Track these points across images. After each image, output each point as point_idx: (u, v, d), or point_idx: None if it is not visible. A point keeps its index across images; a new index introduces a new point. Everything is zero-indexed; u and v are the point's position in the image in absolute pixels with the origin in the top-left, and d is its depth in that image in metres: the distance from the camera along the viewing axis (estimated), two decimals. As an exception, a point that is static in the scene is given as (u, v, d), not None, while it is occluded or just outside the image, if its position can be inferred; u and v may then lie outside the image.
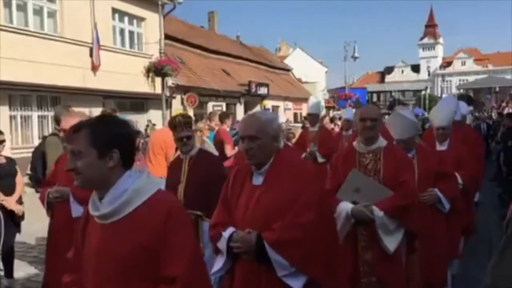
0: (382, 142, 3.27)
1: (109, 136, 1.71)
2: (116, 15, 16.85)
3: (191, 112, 17.65)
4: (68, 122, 5.39)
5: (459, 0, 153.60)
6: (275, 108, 26.55)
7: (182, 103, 18.84)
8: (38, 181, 5.44)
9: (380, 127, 3.37)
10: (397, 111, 4.09)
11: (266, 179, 2.34)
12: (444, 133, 4.55)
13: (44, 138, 5.68)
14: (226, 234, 2.33)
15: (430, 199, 3.74)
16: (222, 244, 2.36)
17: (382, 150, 3.22)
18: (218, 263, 2.42)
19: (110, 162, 1.70)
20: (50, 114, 14.06)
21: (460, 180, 4.19)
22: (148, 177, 1.77)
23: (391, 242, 3.02)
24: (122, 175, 1.72)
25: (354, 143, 3.38)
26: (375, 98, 66.40)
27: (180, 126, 3.79)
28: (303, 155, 6.73)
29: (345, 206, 3.10)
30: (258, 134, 2.32)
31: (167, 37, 18.82)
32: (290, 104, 30.99)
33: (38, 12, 13.80)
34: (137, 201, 1.67)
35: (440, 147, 4.56)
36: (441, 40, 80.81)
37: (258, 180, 2.37)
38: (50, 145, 5.17)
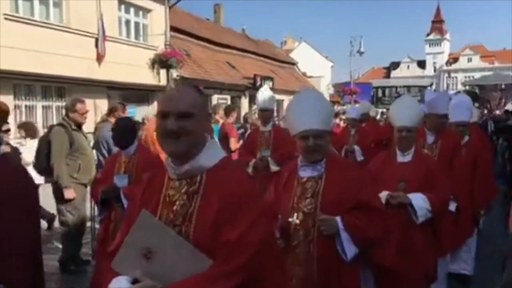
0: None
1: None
2: (122, 6, 16.78)
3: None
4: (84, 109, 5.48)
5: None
6: (280, 102, 26.48)
7: (187, 96, 18.80)
8: (41, 170, 5.47)
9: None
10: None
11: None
12: (409, 137, 3.42)
13: (50, 127, 5.70)
14: None
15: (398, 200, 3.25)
16: None
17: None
18: None
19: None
20: (55, 104, 14.09)
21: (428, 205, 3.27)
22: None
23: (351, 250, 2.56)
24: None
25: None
26: (380, 93, 66.03)
27: None
28: (251, 162, 5.51)
29: None
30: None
31: (173, 29, 18.76)
32: (294, 98, 30.85)
33: (44, 1, 13.75)
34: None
35: (401, 159, 3.46)
36: (447, 36, 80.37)
37: None
38: (55, 135, 5.21)
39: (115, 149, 5.33)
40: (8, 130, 5.16)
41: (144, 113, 13.51)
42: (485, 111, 19.58)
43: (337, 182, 2.58)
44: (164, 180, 1.83)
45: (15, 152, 5.13)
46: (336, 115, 14.29)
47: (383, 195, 3.30)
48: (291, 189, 2.66)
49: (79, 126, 5.52)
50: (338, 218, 2.53)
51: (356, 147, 7.26)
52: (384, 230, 2.66)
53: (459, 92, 30.36)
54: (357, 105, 9.68)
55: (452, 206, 3.90)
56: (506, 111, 16.92)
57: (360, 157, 7.08)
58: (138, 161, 3.99)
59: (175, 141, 1.72)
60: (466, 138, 4.58)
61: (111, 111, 6.18)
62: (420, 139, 4.16)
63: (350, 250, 2.54)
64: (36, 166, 5.54)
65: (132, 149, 4.07)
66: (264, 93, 5.79)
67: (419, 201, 3.27)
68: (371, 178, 3.46)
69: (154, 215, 1.74)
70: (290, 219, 2.57)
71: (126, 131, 4.08)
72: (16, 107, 12.94)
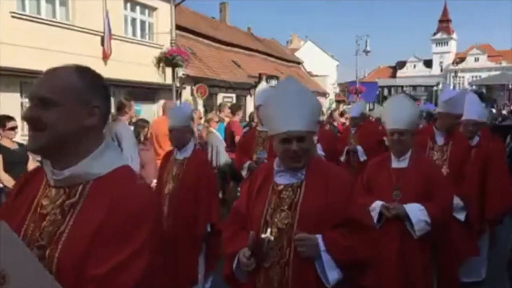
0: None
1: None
2: (128, 5, 16.82)
3: (200, 103, 17.64)
4: None
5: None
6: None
7: (192, 94, 18.82)
8: None
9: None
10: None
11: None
12: (401, 141, 3.10)
13: None
14: None
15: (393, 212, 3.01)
16: None
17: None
18: None
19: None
20: (61, 102, 14.15)
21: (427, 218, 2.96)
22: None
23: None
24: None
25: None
26: (386, 93, 65.84)
27: None
28: (246, 164, 5.19)
29: None
30: None
31: (178, 27, 18.78)
32: (300, 97, 30.85)
33: (50, 0, 13.82)
34: None
35: (396, 164, 3.15)
36: (454, 35, 79.95)
37: None
38: None
39: (127, 148, 5.34)
40: (15, 128, 5.16)
41: (150, 111, 13.54)
42: (493, 111, 19.44)
43: (320, 192, 2.15)
44: (41, 184, 1.44)
45: (23, 149, 5.13)
46: (342, 114, 14.28)
47: (377, 205, 3.07)
48: (265, 198, 2.23)
49: None
50: (319, 237, 2.10)
51: (359, 147, 7.14)
52: (374, 251, 2.23)
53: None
54: (358, 103, 9.53)
55: (462, 215, 3.64)
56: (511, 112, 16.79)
57: (363, 157, 7.02)
58: None
59: (36, 134, 1.36)
60: (476, 139, 4.24)
61: (119, 108, 6.16)
62: (429, 141, 3.94)
63: (332, 275, 2.10)
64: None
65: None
66: (263, 89, 5.32)
67: (416, 212, 2.96)
68: (360, 187, 3.29)
69: (18, 230, 1.34)
70: (262, 235, 2.13)
71: None
72: (23, 105, 13.00)
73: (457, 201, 3.54)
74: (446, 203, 3.10)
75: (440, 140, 3.96)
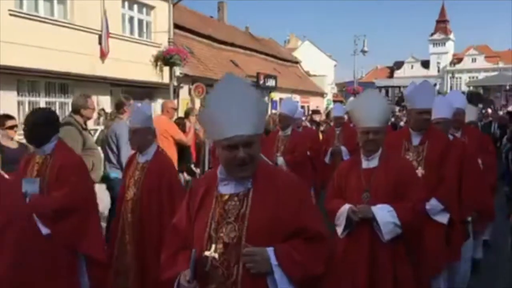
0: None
1: None
2: (126, 3, 16.81)
3: (198, 102, 17.63)
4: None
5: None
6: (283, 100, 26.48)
7: (190, 93, 18.82)
8: None
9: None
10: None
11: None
12: (377, 140, 2.93)
13: None
14: None
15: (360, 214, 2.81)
16: None
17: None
18: None
19: None
20: (58, 100, 14.11)
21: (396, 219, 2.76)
22: None
23: None
24: None
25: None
26: (383, 93, 65.97)
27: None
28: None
29: None
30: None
31: (176, 26, 18.77)
32: (297, 97, 30.85)
33: (48, -2, 13.79)
34: None
35: (366, 164, 2.98)
36: (452, 36, 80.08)
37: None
38: (68, 135, 4.99)
39: (124, 148, 5.28)
40: (14, 126, 5.14)
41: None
42: (490, 112, 19.48)
43: (269, 201, 1.93)
44: None
45: (22, 148, 5.10)
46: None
47: (345, 209, 2.90)
48: (208, 210, 1.98)
49: (85, 123, 5.47)
50: (269, 250, 1.88)
51: (343, 148, 7.04)
52: (329, 265, 2.02)
53: (463, 92, 30.34)
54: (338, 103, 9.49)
55: (444, 218, 3.43)
56: (509, 112, 16.84)
57: (346, 158, 6.97)
58: (54, 162, 3.40)
59: None
60: (450, 138, 3.95)
61: (118, 106, 6.11)
62: (404, 141, 3.67)
63: None
64: None
65: (49, 148, 3.47)
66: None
67: (384, 214, 2.75)
68: (330, 191, 3.16)
69: None
70: (206, 253, 1.92)
71: (37, 125, 3.45)
72: (20, 103, 12.97)
73: (435, 203, 3.38)
74: (418, 204, 2.85)
75: (416, 140, 3.66)
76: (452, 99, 4.66)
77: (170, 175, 3.67)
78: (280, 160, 5.72)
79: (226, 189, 1.99)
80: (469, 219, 3.90)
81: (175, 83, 17.34)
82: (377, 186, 2.85)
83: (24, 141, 6.32)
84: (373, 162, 2.95)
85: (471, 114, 5.88)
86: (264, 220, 1.89)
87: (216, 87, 2.04)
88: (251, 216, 1.91)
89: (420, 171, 3.46)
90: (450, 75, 70.46)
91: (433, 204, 3.39)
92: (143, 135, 3.62)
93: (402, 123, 16.25)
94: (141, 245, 3.48)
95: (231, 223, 1.92)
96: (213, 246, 1.91)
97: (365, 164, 2.99)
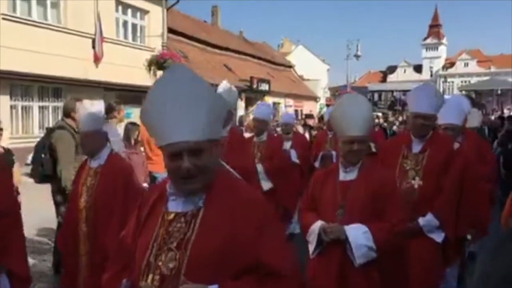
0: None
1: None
2: (120, 7, 16.81)
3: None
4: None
5: (463, 0, 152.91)
6: (276, 104, 26.54)
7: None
8: (46, 176, 5.15)
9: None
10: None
11: None
12: (361, 150, 2.63)
13: (50, 130, 5.33)
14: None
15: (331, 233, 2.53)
16: None
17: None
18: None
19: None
20: (51, 104, 14.08)
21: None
22: None
23: None
24: None
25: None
26: (376, 97, 66.17)
27: None
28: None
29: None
30: None
31: (170, 31, 18.80)
32: (291, 101, 30.97)
33: (41, 2, 13.77)
34: None
35: (343, 176, 2.66)
36: (444, 40, 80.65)
37: None
38: (61, 139, 4.94)
39: (116, 149, 5.25)
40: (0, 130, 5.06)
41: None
42: (482, 116, 19.65)
43: (221, 224, 1.54)
44: None
45: (8, 153, 5.03)
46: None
47: (316, 227, 2.61)
48: (153, 229, 1.62)
49: (77, 126, 5.38)
50: None
51: (334, 152, 6.55)
52: None
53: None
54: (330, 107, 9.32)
55: (439, 237, 3.15)
56: (500, 117, 16.98)
57: None
58: None
59: None
60: (456, 145, 3.67)
61: (108, 111, 6.08)
62: (403, 148, 3.37)
63: None
64: (39, 172, 5.04)
65: None
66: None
67: (359, 236, 2.46)
68: (304, 204, 2.84)
69: None
70: (141, 284, 1.56)
71: None
72: (13, 107, 12.93)
73: (430, 218, 3.13)
74: (398, 225, 2.52)
75: (416, 147, 3.33)
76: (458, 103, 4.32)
77: (125, 178, 3.40)
78: (259, 167, 5.34)
79: (173, 205, 1.62)
80: (469, 237, 3.58)
81: (169, 87, 17.34)
82: (353, 202, 2.54)
83: (12, 145, 6.31)
84: (351, 175, 2.63)
85: (474, 119, 5.60)
86: (211, 250, 1.50)
87: (158, 80, 1.62)
88: (196, 243, 1.52)
89: (417, 182, 3.22)
90: (442, 79, 70.79)
91: (428, 219, 3.14)
92: (92, 138, 3.39)
93: (395, 128, 16.36)
94: (97, 256, 3.19)
95: (172, 250, 1.54)
96: (150, 276, 1.55)
97: (342, 176, 2.66)
